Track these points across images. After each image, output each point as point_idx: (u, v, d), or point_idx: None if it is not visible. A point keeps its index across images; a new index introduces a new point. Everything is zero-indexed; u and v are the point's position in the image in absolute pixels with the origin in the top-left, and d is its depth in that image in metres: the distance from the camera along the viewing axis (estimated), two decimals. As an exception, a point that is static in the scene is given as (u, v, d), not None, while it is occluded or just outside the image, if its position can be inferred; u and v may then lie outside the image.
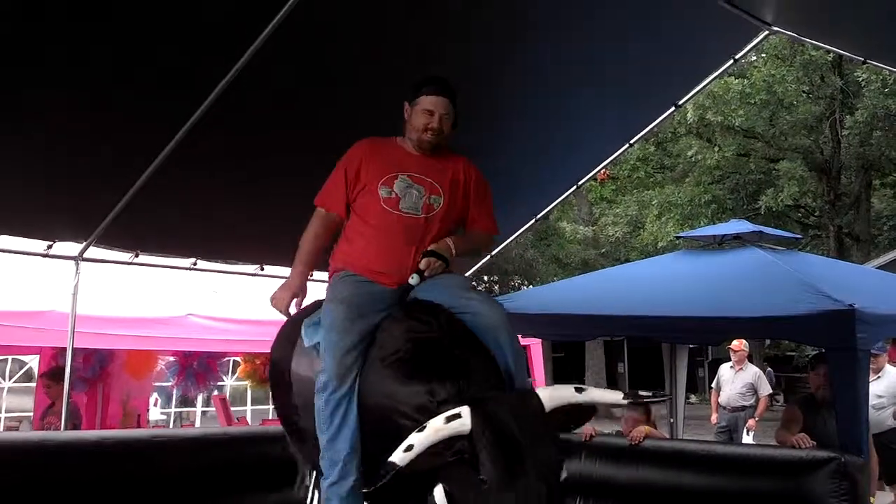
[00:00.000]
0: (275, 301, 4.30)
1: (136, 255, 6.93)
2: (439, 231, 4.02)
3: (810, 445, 5.54)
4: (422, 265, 3.89)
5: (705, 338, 8.59)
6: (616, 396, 3.48)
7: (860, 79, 20.50)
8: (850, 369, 5.44)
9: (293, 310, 4.30)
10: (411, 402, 3.41)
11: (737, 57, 7.10)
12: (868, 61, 7.03)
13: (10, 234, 6.31)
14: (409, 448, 3.06)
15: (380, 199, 3.99)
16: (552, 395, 3.30)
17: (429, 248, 3.94)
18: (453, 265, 4.00)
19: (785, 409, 6.75)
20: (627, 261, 21.23)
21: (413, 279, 3.89)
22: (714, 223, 17.92)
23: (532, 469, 3.01)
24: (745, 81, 21.50)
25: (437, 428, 3.09)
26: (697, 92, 8.12)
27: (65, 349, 7.01)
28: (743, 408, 10.82)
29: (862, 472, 5.18)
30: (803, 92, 22.13)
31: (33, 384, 10.58)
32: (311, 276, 4.27)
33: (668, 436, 6.79)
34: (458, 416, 3.10)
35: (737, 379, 10.93)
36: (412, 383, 3.46)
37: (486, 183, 4.23)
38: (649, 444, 5.92)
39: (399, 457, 3.04)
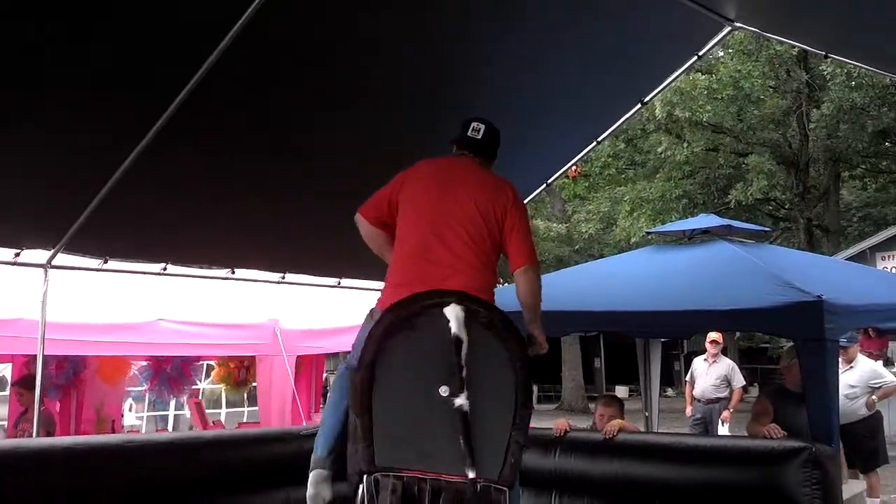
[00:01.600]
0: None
1: (106, 262, 6.88)
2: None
3: (781, 436, 5.59)
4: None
5: (677, 331, 8.65)
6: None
7: (825, 72, 20.74)
8: (820, 359, 5.50)
9: None
10: None
11: (700, 53, 7.14)
12: (830, 55, 7.10)
13: (-24, 243, 6.26)
14: None
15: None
16: None
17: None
18: None
19: (755, 402, 6.82)
20: (601, 257, 21.33)
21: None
22: (686, 218, 18.05)
23: None
24: (712, 77, 21.69)
25: None
26: (662, 89, 8.16)
27: (36, 356, 6.96)
28: (717, 399, 10.92)
29: (833, 461, 5.24)
30: (770, 86, 22.35)
31: (6, 392, 10.48)
32: None
33: (642, 429, 6.82)
34: None
35: (710, 371, 11.03)
36: None
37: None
38: (623, 437, 5.96)
39: None
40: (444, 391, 3.32)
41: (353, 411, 3.71)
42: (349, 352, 4.27)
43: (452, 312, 3.40)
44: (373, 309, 4.09)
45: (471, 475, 3.27)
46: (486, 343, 3.45)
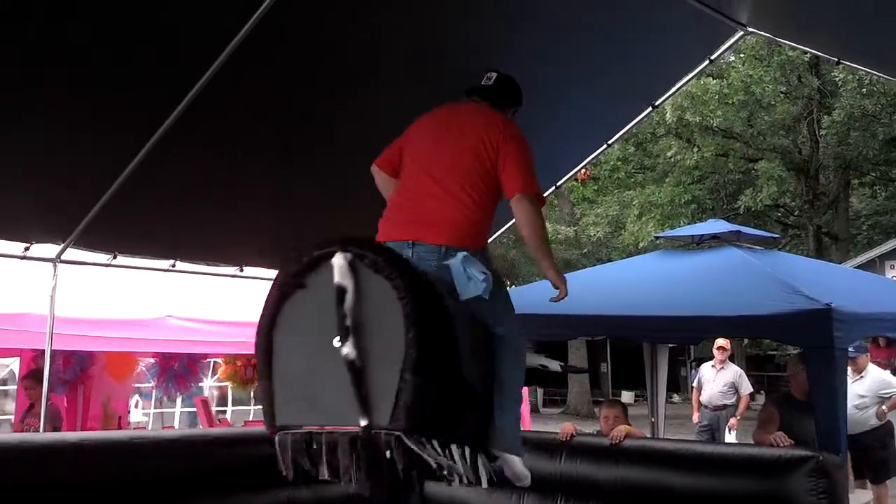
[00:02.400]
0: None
1: (115, 257, 6.89)
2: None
3: (788, 444, 5.58)
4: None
5: (684, 337, 8.61)
6: (553, 364, 3.90)
7: (837, 79, 20.69)
8: (828, 368, 5.49)
9: None
10: None
11: (712, 58, 7.13)
12: (842, 62, 7.07)
13: (-14, 237, 6.28)
14: None
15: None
16: None
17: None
18: None
19: (761, 409, 6.79)
20: (609, 261, 21.32)
21: None
22: (694, 223, 18.02)
23: None
24: (723, 82, 21.65)
25: None
26: (674, 93, 8.14)
27: (45, 351, 6.98)
28: (724, 406, 10.89)
29: (840, 470, 5.22)
30: (781, 92, 22.29)
31: (14, 387, 10.51)
32: None
33: (648, 435, 6.80)
34: None
35: (718, 378, 11.00)
36: None
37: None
38: (629, 443, 5.94)
39: None
40: (335, 343, 3.23)
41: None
42: None
43: (336, 261, 3.29)
44: None
45: (362, 424, 3.18)
46: (372, 285, 3.32)
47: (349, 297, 3.25)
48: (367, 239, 3.63)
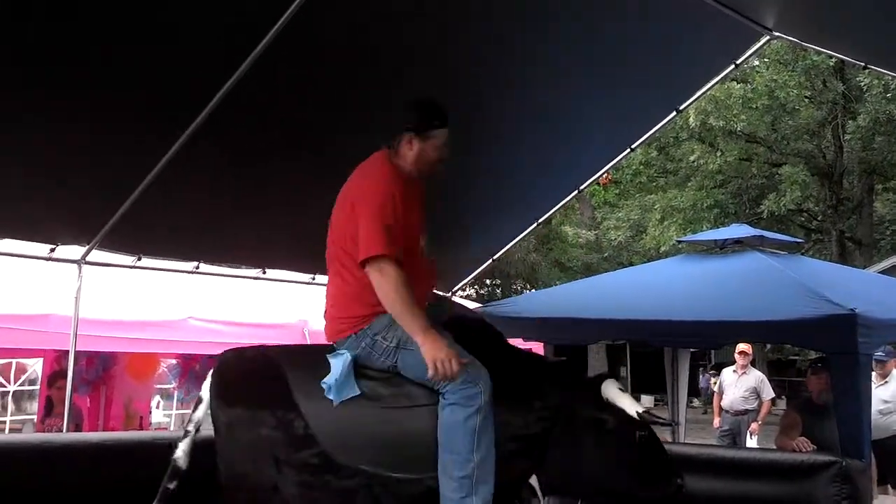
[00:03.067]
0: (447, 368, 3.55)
1: (139, 259, 6.94)
2: None
3: (811, 449, 5.55)
4: None
5: (705, 342, 8.57)
6: (633, 409, 3.83)
7: (862, 84, 20.55)
8: (852, 373, 5.47)
9: None
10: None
11: (738, 62, 7.10)
12: (869, 66, 7.03)
13: (12, 238, 6.32)
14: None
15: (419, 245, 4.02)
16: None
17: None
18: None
19: (784, 414, 6.77)
20: (630, 265, 21.22)
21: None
22: (717, 227, 17.95)
23: None
24: (747, 86, 21.56)
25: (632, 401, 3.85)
26: (699, 97, 8.11)
27: (68, 352, 7.03)
28: (746, 412, 10.84)
29: (864, 476, 5.19)
30: (805, 97, 22.15)
31: (37, 387, 10.58)
32: None
33: (669, 439, 6.78)
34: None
35: (740, 383, 10.95)
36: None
37: None
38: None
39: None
40: None
41: None
42: None
43: None
44: None
45: None
46: None
47: None
48: None
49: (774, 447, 6.34)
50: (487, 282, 26.73)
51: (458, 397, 3.53)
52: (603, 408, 3.83)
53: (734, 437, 10.72)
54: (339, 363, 3.66)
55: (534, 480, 4.18)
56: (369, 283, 3.64)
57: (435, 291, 4.16)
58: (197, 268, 7.31)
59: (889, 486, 8.15)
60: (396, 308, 3.59)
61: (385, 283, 3.58)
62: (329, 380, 3.61)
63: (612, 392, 3.86)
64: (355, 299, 3.76)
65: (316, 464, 3.56)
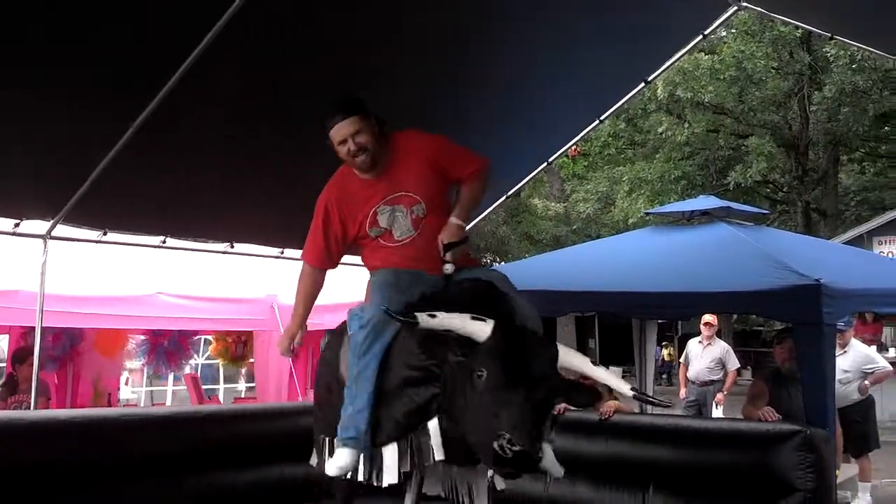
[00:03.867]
0: (280, 348, 4.45)
1: (105, 234, 6.88)
2: (437, 227, 3.99)
3: (776, 419, 5.62)
4: (448, 259, 3.90)
5: (673, 313, 8.65)
6: (624, 387, 3.51)
7: (829, 55, 20.67)
8: (817, 343, 5.53)
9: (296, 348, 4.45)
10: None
11: (705, 33, 7.10)
12: (835, 37, 7.05)
13: (-24, 213, 6.26)
14: (433, 316, 3.31)
15: (378, 241, 4.10)
16: (566, 355, 3.42)
17: (444, 242, 3.91)
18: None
19: (751, 384, 6.85)
20: (599, 237, 21.32)
21: (448, 268, 3.91)
22: (684, 199, 18.01)
23: (536, 381, 3.18)
24: (715, 57, 21.60)
25: (463, 320, 3.30)
26: (667, 68, 8.12)
27: (34, 328, 6.97)
28: (711, 382, 10.92)
29: (827, 445, 5.26)
30: (772, 68, 22.24)
31: (3, 364, 10.48)
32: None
33: (636, 410, 6.84)
34: (483, 321, 3.30)
35: (705, 354, 11.03)
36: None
37: (439, 137, 4.16)
38: (618, 418, 5.98)
39: (422, 318, 3.31)
40: None
41: None
42: None
43: None
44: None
45: None
46: None
47: None
48: None
49: (739, 417, 6.41)
50: (457, 254, 26.73)
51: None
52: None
53: (700, 407, 10.80)
54: None
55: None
56: None
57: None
58: (164, 242, 7.27)
59: (848, 454, 8.29)
60: None
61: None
62: None
63: (584, 365, 3.49)
64: None
65: None
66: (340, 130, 3.96)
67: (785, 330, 6.86)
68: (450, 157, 4.10)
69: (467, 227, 4.13)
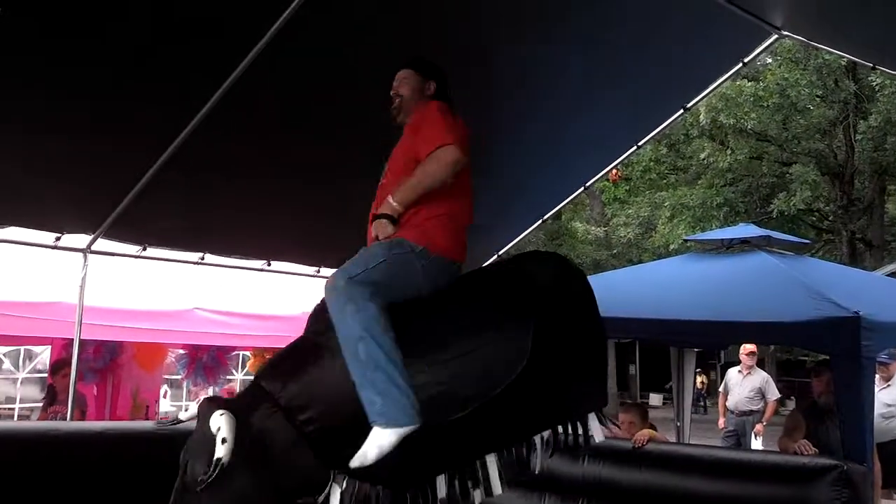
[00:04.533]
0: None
1: (144, 249, 6.97)
2: (382, 197, 3.85)
3: (812, 452, 5.53)
4: (372, 231, 3.78)
5: (711, 341, 8.57)
6: None
7: (874, 83, 20.42)
8: (855, 376, 5.44)
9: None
10: None
11: (746, 60, 7.08)
12: (878, 67, 6.99)
13: (18, 226, 6.35)
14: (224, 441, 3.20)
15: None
16: None
17: (371, 212, 3.84)
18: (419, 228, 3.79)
19: (788, 416, 6.75)
20: (640, 262, 21.17)
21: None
22: (726, 226, 17.87)
23: None
24: (759, 84, 21.43)
25: None
26: (706, 95, 8.08)
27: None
28: (751, 412, 10.76)
29: (865, 480, 5.17)
30: (817, 96, 22.01)
31: (45, 375, 10.63)
32: None
33: (671, 439, 6.78)
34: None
35: (745, 383, 10.86)
36: None
37: (429, 106, 3.95)
38: (652, 447, 5.92)
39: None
40: None
41: None
42: None
43: None
44: (401, 241, 3.73)
45: None
46: None
47: None
48: None
49: (777, 449, 6.32)
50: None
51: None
52: None
53: (738, 437, 10.65)
54: None
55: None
56: None
57: None
58: (202, 259, 7.34)
59: (892, 490, 8.12)
60: None
61: None
62: None
63: None
64: None
65: None
66: (396, 76, 4.16)
67: (823, 362, 6.76)
68: (418, 127, 3.90)
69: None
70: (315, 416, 3.42)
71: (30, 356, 13.10)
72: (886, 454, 7.49)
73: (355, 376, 3.39)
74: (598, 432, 3.94)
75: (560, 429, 3.86)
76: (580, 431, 3.89)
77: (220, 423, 3.29)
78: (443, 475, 3.73)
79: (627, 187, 29.47)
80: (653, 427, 6.44)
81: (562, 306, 3.78)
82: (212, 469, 3.18)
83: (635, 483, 5.87)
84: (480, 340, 3.57)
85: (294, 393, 3.45)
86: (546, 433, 3.84)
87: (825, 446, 5.79)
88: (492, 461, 3.74)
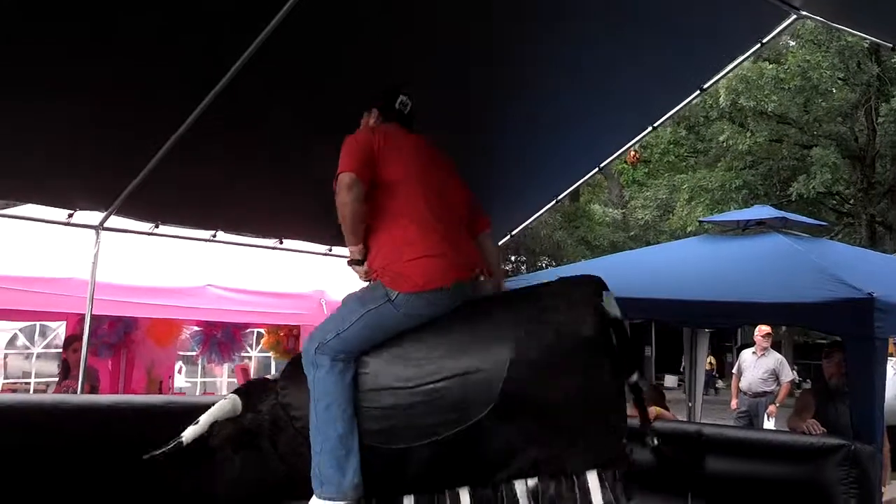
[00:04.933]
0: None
1: (157, 226, 7.00)
2: None
3: (821, 432, 5.53)
4: None
5: (723, 322, 8.54)
6: None
7: (898, 66, 20.25)
8: (867, 358, 5.42)
9: None
10: None
11: (764, 41, 6.98)
12: (897, 48, 6.90)
13: (32, 202, 6.39)
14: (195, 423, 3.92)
15: None
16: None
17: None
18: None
19: (799, 397, 6.74)
20: (657, 244, 21.11)
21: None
22: (745, 209, 17.77)
23: None
24: (780, 67, 21.26)
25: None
26: (723, 76, 8.00)
27: (93, 316, 7.12)
28: (764, 393, 10.75)
29: (873, 460, 5.15)
30: (839, 78, 21.83)
31: (60, 350, 10.71)
32: None
33: (682, 418, 6.77)
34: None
35: (759, 364, 10.85)
36: None
37: None
38: (660, 425, 5.91)
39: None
40: None
41: None
42: None
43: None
44: (376, 287, 3.88)
45: None
46: None
47: None
48: None
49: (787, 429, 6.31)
50: (513, 258, 26.72)
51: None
52: None
53: (751, 418, 10.65)
54: None
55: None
56: None
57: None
58: (214, 236, 7.36)
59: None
60: None
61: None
62: None
63: None
64: None
65: None
66: None
67: (833, 343, 6.73)
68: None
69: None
70: (299, 416, 3.92)
71: (44, 332, 13.19)
72: (898, 437, 7.48)
73: (311, 430, 3.76)
74: (596, 493, 3.50)
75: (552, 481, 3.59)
76: (575, 488, 3.52)
77: (215, 406, 4.04)
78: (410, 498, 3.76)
79: (646, 169, 29.37)
80: (666, 409, 6.45)
81: (573, 358, 3.61)
82: (171, 444, 3.87)
83: (641, 460, 5.85)
84: (458, 367, 3.62)
85: (289, 392, 4.06)
86: (532, 482, 3.59)
87: (834, 426, 5.78)
88: (464, 494, 3.68)
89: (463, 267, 3.91)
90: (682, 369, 9.59)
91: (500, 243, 9.16)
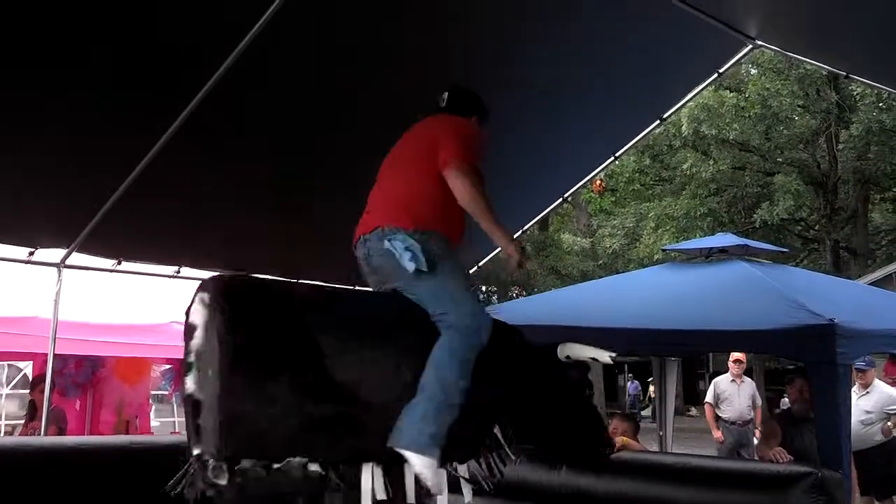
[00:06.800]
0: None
1: (119, 262, 6.93)
2: None
3: (787, 460, 5.53)
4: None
5: (688, 350, 8.56)
6: (603, 356, 4.14)
7: (855, 93, 20.55)
8: (831, 384, 5.43)
9: None
10: None
11: (721, 71, 7.09)
12: (850, 76, 7.03)
13: (-8, 241, 6.32)
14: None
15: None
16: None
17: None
18: None
19: (764, 424, 6.76)
20: (625, 272, 21.18)
21: None
22: (710, 236, 17.87)
23: None
24: (740, 95, 21.52)
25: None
26: (681, 106, 8.11)
27: (58, 355, 7.01)
28: (750, 421, 10.52)
29: (839, 487, 5.15)
30: (799, 105, 22.13)
31: (27, 391, 10.56)
32: None
33: (645, 448, 6.76)
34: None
35: (741, 392, 10.52)
36: None
37: None
38: (630, 456, 5.89)
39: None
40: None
41: None
42: None
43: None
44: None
45: (195, 452, 3.17)
46: (208, 318, 3.36)
47: (197, 333, 3.32)
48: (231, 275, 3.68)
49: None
50: (483, 288, 26.68)
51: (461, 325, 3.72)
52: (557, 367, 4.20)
53: (738, 449, 10.33)
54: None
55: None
56: (430, 193, 3.95)
57: None
58: (177, 272, 7.30)
59: (872, 497, 8.12)
60: (478, 204, 3.90)
61: (471, 185, 3.88)
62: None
63: (574, 350, 4.12)
64: (416, 200, 3.98)
65: None
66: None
67: (797, 369, 6.78)
68: (442, 137, 4.15)
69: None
70: None
71: (13, 372, 13.00)
72: (868, 461, 7.52)
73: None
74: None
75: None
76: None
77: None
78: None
79: (613, 198, 29.51)
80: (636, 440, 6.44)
81: None
82: None
83: (612, 492, 5.83)
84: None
85: None
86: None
87: (799, 453, 5.79)
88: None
89: (360, 227, 4.05)
90: (649, 398, 9.55)
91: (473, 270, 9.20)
